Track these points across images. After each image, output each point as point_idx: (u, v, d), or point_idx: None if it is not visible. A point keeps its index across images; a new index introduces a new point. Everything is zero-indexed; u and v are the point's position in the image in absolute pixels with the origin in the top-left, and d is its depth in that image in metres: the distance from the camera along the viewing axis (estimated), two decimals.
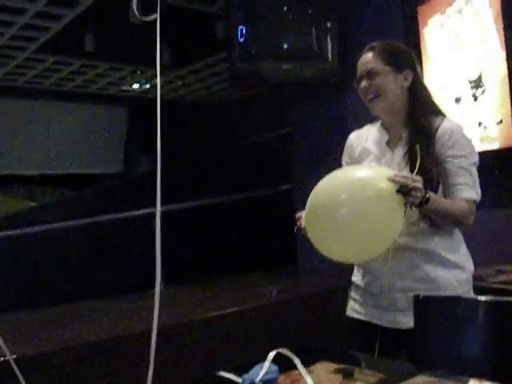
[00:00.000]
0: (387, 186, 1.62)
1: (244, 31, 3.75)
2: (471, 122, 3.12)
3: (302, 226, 1.79)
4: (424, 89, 1.95)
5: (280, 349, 1.46)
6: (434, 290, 1.82)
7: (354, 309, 2.01)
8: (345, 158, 2.09)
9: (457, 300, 1.77)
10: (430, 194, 1.68)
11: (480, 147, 2.96)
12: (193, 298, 3.79)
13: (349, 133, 2.11)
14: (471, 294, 1.88)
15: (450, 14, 3.25)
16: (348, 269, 2.08)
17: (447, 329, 1.73)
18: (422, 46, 3.38)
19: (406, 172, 1.79)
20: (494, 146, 3.07)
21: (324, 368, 1.50)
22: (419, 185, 1.63)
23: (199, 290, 4.05)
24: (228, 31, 3.95)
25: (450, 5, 3.26)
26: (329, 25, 3.75)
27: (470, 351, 1.67)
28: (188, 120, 10.14)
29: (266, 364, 1.39)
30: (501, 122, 3.04)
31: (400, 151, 1.89)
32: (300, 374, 1.41)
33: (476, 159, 1.86)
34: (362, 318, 1.97)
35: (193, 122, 10.10)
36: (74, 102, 9.75)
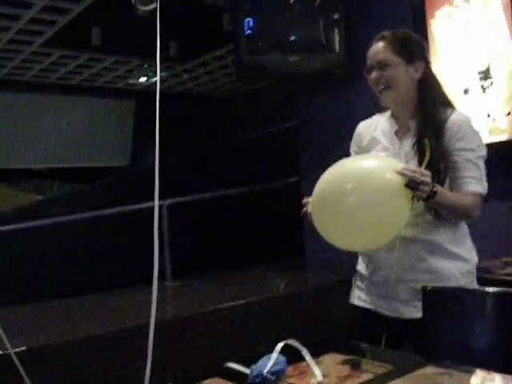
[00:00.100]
0: (395, 179, 1.62)
1: (251, 23, 3.74)
2: (480, 114, 3.10)
3: (309, 211, 1.79)
4: (435, 80, 1.94)
5: (288, 340, 1.47)
6: (437, 281, 1.83)
7: (360, 297, 2.02)
8: (353, 147, 2.09)
9: (465, 291, 1.78)
10: (437, 188, 1.68)
11: (489, 139, 2.95)
12: (200, 290, 3.81)
13: (356, 125, 2.11)
14: (474, 285, 1.89)
15: (458, 4, 3.23)
16: (355, 262, 2.09)
17: (455, 320, 1.73)
18: (429, 37, 3.36)
19: (413, 163, 1.79)
20: (503, 137, 3.05)
21: (332, 359, 1.51)
22: (428, 179, 1.63)
23: (207, 282, 4.07)
24: (235, 24, 3.94)
25: None
26: (336, 16, 3.73)
27: (478, 342, 1.67)
28: (195, 113, 10.14)
29: (274, 355, 1.40)
30: (509, 113, 3.01)
31: (408, 142, 1.89)
32: (308, 366, 1.42)
33: (484, 152, 1.85)
34: (367, 306, 1.98)
35: (200, 115, 10.09)
36: (81, 95, 9.75)
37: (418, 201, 1.66)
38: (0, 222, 5.27)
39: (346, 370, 1.42)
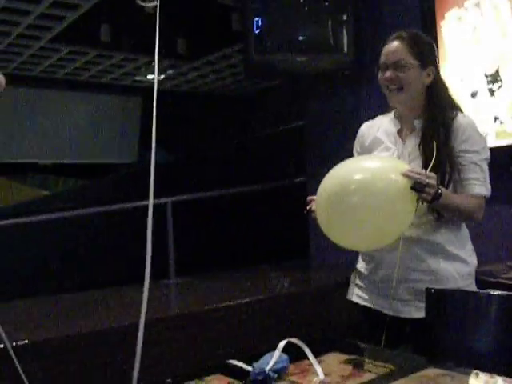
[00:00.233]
0: (400, 180, 1.62)
1: (259, 23, 3.74)
2: (487, 117, 3.09)
3: (313, 208, 1.80)
4: (443, 86, 1.95)
5: (290, 338, 1.47)
6: (436, 282, 1.83)
7: (359, 295, 2.02)
8: (356, 148, 2.10)
9: (469, 294, 1.78)
10: (442, 190, 1.68)
11: (496, 142, 2.94)
12: (204, 288, 3.81)
13: None
14: (473, 288, 1.90)
15: (468, 7, 3.22)
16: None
17: (459, 322, 1.73)
18: (438, 39, 3.35)
19: (417, 163, 1.79)
20: (510, 141, 3.04)
21: (334, 358, 1.51)
22: (433, 181, 1.64)
23: (211, 280, 4.06)
24: (243, 23, 3.94)
25: None
26: (344, 17, 3.72)
27: (481, 345, 1.67)
28: (202, 111, 10.14)
29: (277, 353, 1.40)
30: None
31: (412, 142, 1.89)
32: (310, 364, 1.42)
33: (488, 155, 1.86)
34: (367, 304, 1.99)
35: (207, 114, 10.10)
36: (88, 91, 9.77)
37: (422, 203, 1.66)
38: (2, 217, 5.27)
39: (348, 369, 1.43)
